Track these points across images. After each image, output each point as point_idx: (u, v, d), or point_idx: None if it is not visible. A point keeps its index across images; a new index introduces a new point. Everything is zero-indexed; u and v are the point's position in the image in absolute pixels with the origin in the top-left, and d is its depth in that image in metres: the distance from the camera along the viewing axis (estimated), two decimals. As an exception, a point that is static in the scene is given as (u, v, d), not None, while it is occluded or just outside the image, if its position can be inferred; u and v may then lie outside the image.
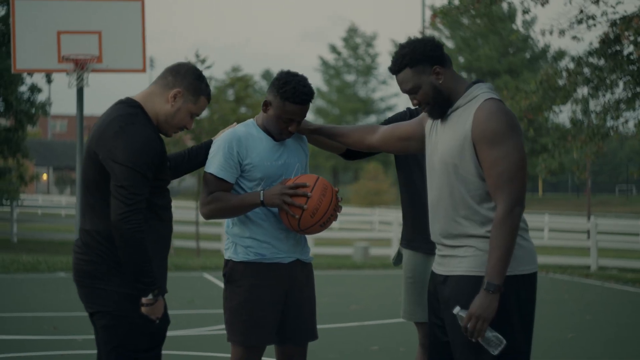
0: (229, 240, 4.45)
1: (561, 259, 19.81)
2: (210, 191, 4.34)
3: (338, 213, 4.38)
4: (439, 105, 3.83)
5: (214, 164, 4.34)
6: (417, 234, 4.78)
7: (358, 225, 32.57)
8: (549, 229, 27.19)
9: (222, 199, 4.32)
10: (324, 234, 24.39)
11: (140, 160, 3.81)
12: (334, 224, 31.03)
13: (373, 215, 31.75)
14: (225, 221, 4.48)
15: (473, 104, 3.76)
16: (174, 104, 4.03)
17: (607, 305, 12.36)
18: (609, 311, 11.55)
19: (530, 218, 29.67)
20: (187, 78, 4.06)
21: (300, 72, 4.40)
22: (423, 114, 4.08)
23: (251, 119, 4.52)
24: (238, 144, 4.34)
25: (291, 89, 4.28)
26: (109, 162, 3.83)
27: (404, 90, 3.91)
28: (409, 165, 4.80)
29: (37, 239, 24.88)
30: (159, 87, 4.06)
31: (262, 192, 4.29)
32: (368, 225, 31.76)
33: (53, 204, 46.06)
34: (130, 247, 3.78)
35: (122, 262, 3.84)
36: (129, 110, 3.95)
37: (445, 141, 3.79)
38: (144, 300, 3.89)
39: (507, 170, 3.65)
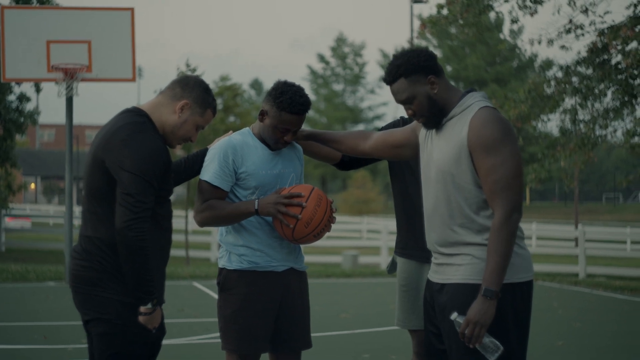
0: (223, 248, 4.46)
1: (549, 267, 19.88)
2: (205, 199, 4.35)
3: (332, 224, 4.40)
4: (434, 115, 3.85)
5: (209, 172, 4.35)
6: (411, 242, 4.81)
7: (347, 233, 32.58)
8: (537, 237, 27.27)
9: (216, 207, 4.33)
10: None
11: (148, 169, 3.82)
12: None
13: (362, 224, 31.79)
14: (219, 229, 4.50)
15: (468, 112, 3.78)
16: (181, 115, 4.04)
17: (596, 312, 12.40)
18: (598, 318, 11.60)
19: (518, 226, 29.77)
20: (195, 90, 4.08)
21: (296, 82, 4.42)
22: (416, 122, 4.10)
23: (247, 128, 4.54)
24: (233, 152, 4.35)
25: (288, 99, 4.29)
26: (116, 169, 3.83)
27: (399, 101, 3.92)
28: (404, 174, 4.83)
29: (26, 248, 24.81)
30: (166, 98, 4.07)
31: (256, 200, 4.30)
32: (357, 233, 31.78)
33: (41, 213, 45.93)
34: (134, 255, 3.79)
35: (123, 269, 3.84)
36: (137, 119, 3.96)
37: (441, 150, 3.81)
38: (142, 309, 3.89)
39: (504, 177, 3.67)
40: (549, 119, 16.28)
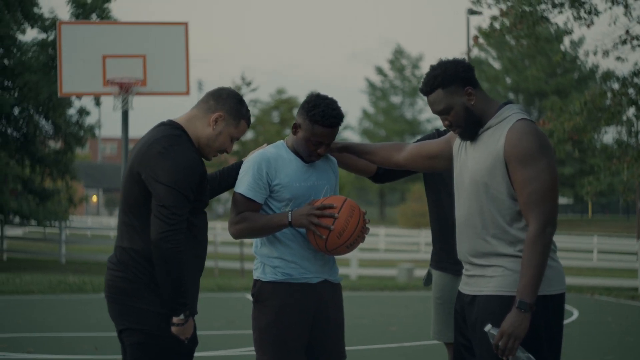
0: (258, 260, 4.50)
1: (609, 281, 19.57)
2: (239, 211, 4.39)
3: (365, 235, 4.40)
4: (471, 126, 3.85)
5: (243, 185, 4.38)
6: (445, 255, 4.82)
7: (404, 246, 32.47)
8: (598, 251, 26.89)
9: (250, 219, 4.36)
10: (369, 255, 24.37)
11: (183, 181, 3.87)
12: (380, 245, 31.11)
13: (419, 237, 31.64)
14: (254, 241, 4.53)
15: (505, 124, 3.78)
16: (216, 127, 4.09)
17: (651, 327, 12.20)
18: (653, 334, 11.40)
19: (579, 240, 29.37)
20: (229, 102, 4.13)
21: (330, 96, 4.43)
22: (451, 133, 4.10)
23: (281, 141, 4.57)
24: (267, 165, 4.38)
25: (320, 112, 4.32)
26: (151, 181, 3.89)
27: (435, 111, 3.93)
28: (437, 186, 4.84)
29: (85, 260, 25.16)
30: (200, 110, 4.13)
31: (290, 212, 4.32)
32: (414, 246, 31.65)
33: (102, 225, 46.52)
34: (169, 266, 3.84)
35: (158, 280, 3.90)
36: (172, 132, 4.02)
37: (476, 160, 3.81)
38: (175, 320, 3.94)
39: (539, 190, 3.67)
40: (605, 132, 16.08)
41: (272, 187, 4.38)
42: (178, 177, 3.87)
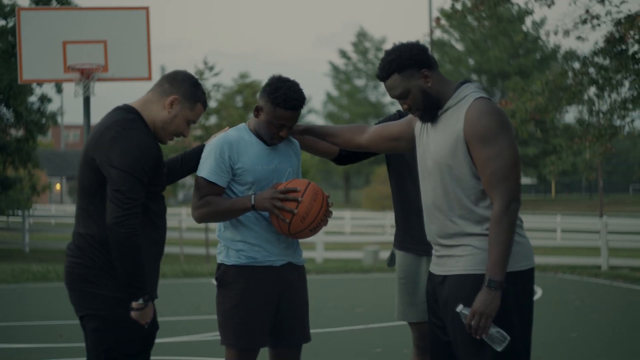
0: (221, 244, 4.48)
1: (573, 260, 19.75)
2: (202, 195, 4.37)
3: (329, 218, 4.40)
4: (429, 109, 3.85)
5: (206, 168, 4.37)
6: (408, 236, 4.83)
7: (369, 229, 32.55)
8: (562, 230, 27.12)
9: (213, 203, 4.35)
10: (334, 238, 24.41)
11: (136, 165, 3.85)
12: (346, 229, 31.16)
13: (384, 219, 31.72)
14: (217, 225, 4.52)
15: (463, 103, 3.79)
16: (171, 110, 4.07)
17: (614, 304, 12.33)
18: (616, 310, 11.54)
19: (543, 219, 29.60)
20: (184, 85, 4.10)
21: (291, 78, 4.42)
22: (411, 115, 4.10)
23: (243, 124, 4.56)
24: (229, 148, 4.37)
25: (282, 95, 4.30)
26: (105, 166, 3.87)
27: (393, 96, 3.93)
28: (400, 169, 4.85)
29: (49, 249, 24.96)
30: (155, 94, 4.10)
31: (253, 196, 4.31)
32: (380, 229, 31.73)
33: (66, 213, 46.19)
34: (125, 251, 3.82)
35: (115, 265, 3.88)
36: (126, 116, 3.99)
37: (438, 142, 3.82)
38: (134, 304, 3.92)
39: (502, 167, 3.69)
40: (567, 111, 16.21)
41: (235, 170, 4.37)
42: (132, 162, 3.85)
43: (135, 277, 3.87)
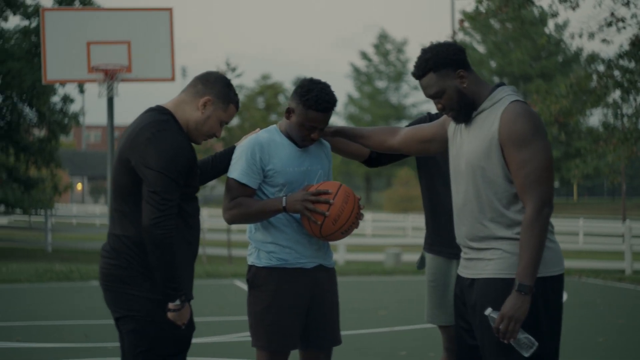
0: (252, 245, 4.47)
1: (596, 264, 19.63)
2: (233, 197, 4.36)
3: (360, 220, 4.39)
4: (464, 109, 3.83)
5: (237, 170, 4.36)
6: (438, 239, 4.81)
7: (391, 231, 32.51)
8: (584, 234, 26.99)
9: (244, 205, 4.33)
10: (356, 240, 24.38)
11: (172, 167, 3.85)
12: (367, 231, 31.13)
13: (406, 222, 31.69)
14: (248, 227, 4.50)
15: (498, 106, 3.77)
16: (204, 111, 4.07)
17: (640, 309, 12.25)
18: (642, 315, 11.45)
19: (565, 223, 29.46)
20: (217, 86, 4.10)
21: (323, 80, 4.41)
22: (445, 116, 4.08)
23: (274, 125, 4.54)
24: (260, 149, 4.35)
25: (314, 97, 4.29)
26: (141, 168, 3.87)
27: (428, 95, 3.91)
28: (431, 171, 4.82)
29: (71, 248, 25.07)
30: (189, 95, 4.10)
31: (284, 197, 4.30)
32: (401, 231, 31.70)
33: (87, 213, 46.42)
34: (161, 252, 3.82)
35: (151, 267, 3.88)
36: (160, 117, 3.99)
37: (471, 144, 3.80)
38: (170, 305, 3.92)
39: (535, 171, 3.66)
40: (591, 114, 16.12)
41: (266, 172, 4.36)
42: (167, 163, 3.85)
43: (171, 278, 3.87)
